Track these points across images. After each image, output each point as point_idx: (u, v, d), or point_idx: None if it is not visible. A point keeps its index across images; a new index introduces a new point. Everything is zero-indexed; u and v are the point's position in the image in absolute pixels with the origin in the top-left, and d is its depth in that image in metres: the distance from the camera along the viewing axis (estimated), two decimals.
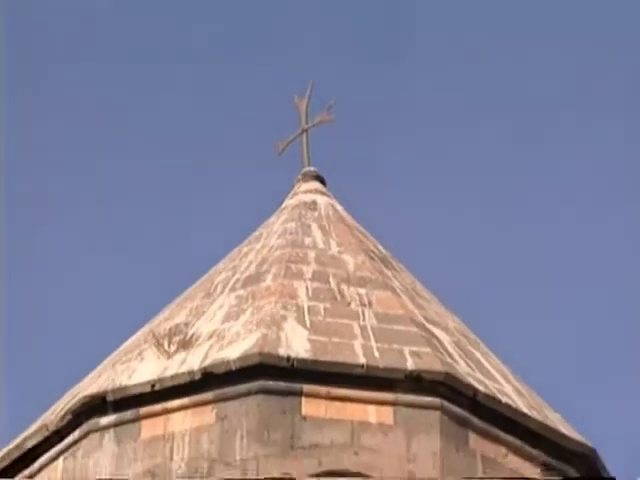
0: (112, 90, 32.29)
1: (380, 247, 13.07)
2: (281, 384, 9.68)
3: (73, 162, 31.33)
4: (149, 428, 9.86)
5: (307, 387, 9.76)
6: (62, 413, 10.35)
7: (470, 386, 10.06)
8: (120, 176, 30.88)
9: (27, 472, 10.32)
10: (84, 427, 10.03)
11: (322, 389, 9.77)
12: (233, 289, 11.64)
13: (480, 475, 9.81)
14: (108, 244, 29.91)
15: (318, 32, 32.71)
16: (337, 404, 9.83)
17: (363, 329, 10.82)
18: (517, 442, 10.11)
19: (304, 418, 9.63)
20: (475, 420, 9.91)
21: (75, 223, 30.83)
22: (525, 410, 10.46)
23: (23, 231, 29.06)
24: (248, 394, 9.66)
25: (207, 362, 9.99)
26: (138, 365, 10.58)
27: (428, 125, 31.86)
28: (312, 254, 12.18)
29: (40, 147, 31.43)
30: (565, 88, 33.14)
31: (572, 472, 10.47)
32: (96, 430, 9.97)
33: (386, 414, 9.81)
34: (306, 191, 13.77)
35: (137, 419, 9.89)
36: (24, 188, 29.09)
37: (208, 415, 9.77)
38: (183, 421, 9.82)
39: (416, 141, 31.17)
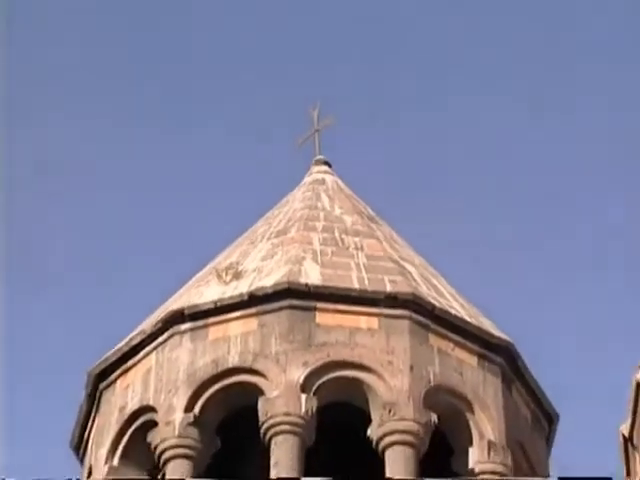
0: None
1: (368, 209, 15.10)
2: (302, 302, 11.71)
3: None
4: (213, 332, 11.85)
5: (319, 304, 11.85)
6: (155, 322, 12.32)
7: (429, 303, 12.10)
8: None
9: (131, 362, 12.22)
10: (169, 331, 11.98)
11: (329, 306, 11.82)
12: (269, 238, 13.64)
13: (436, 361, 11.83)
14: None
15: (325, 47, 35.63)
16: (339, 315, 11.85)
17: (357, 265, 12.86)
18: (461, 340, 12.02)
19: (317, 325, 11.64)
20: (432, 325, 11.90)
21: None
22: (467, 318, 12.44)
23: None
24: (280, 309, 11.66)
25: (252, 288, 12.03)
26: (205, 290, 12.61)
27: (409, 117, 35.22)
28: (322, 214, 14.25)
29: None
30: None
31: (499, 359, 12.38)
32: (178, 334, 11.93)
33: (372, 322, 11.81)
34: (318, 172, 15.83)
35: (206, 326, 11.87)
36: None
37: (253, 324, 11.75)
38: (236, 328, 11.83)
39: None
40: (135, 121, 36.23)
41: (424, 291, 12.86)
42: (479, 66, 36.22)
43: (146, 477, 12.30)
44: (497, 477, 11.52)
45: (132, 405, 12.30)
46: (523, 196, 35.64)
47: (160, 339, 12.51)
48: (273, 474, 11.12)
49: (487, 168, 36.07)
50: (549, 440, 13.56)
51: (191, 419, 11.50)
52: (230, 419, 12.19)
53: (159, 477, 11.95)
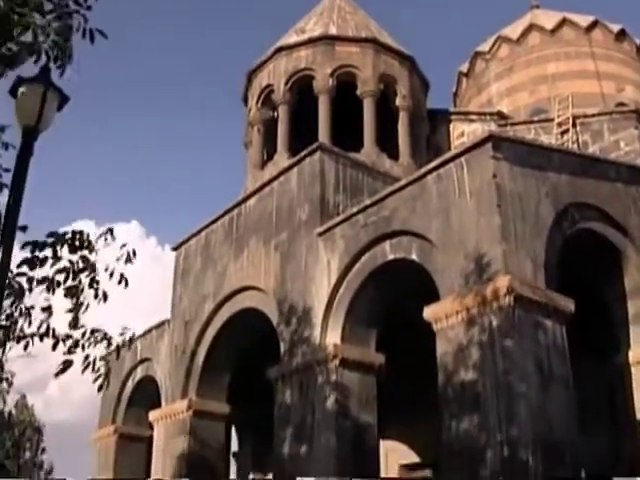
0: None
1: (356, 5, 19.93)
2: (329, 41, 17.48)
3: None
4: (295, 53, 17.76)
5: (337, 42, 17.34)
6: (272, 50, 18.25)
7: (377, 38, 17.99)
8: None
9: (262, 67, 18.47)
10: (278, 54, 17.97)
11: (341, 42, 17.41)
12: (315, 16, 19.01)
13: (383, 63, 17.26)
14: None
15: None
16: (345, 48, 17.43)
17: (351, 26, 18.28)
18: (397, 57, 17.93)
19: (336, 52, 17.38)
20: (383, 50, 17.67)
21: None
22: (396, 47, 18.35)
23: None
24: (321, 45, 17.44)
25: (310, 35, 17.71)
26: (290, 38, 18.42)
27: None
28: (337, 8, 19.04)
29: None
30: None
31: (407, 63, 17.80)
32: (281, 57, 17.93)
33: (356, 49, 17.53)
34: None
35: (291, 52, 17.73)
36: None
37: (310, 50, 17.67)
38: (304, 52, 17.59)
39: None
40: None
41: (378, 34, 18.47)
42: None
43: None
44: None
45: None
46: None
47: (273, 58, 18.15)
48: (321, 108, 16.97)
49: None
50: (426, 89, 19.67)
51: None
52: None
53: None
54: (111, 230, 7.17)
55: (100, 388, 7.46)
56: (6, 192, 6.60)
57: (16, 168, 6.53)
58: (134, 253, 7.13)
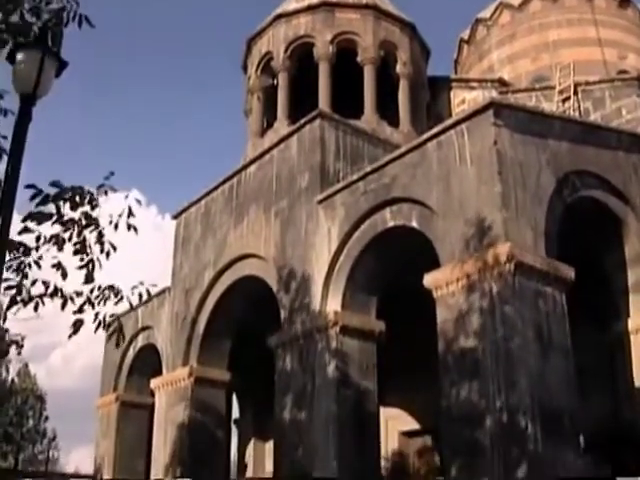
0: None
1: None
2: (328, 8, 17.13)
3: None
4: (294, 21, 17.56)
5: (337, 8, 17.01)
6: (271, 18, 18.11)
7: (377, 5, 17.74)
8: None
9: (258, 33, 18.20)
10: (276, 22, 17.81)
11: (339, 6, 17.37)
12: None
13: (381, 29, 16.87)
14: None
15: None
16: (344, 15, 17.10)
17: None
18: (396, 22, 17.71)
19: (336, 17, 17.14)
20: (383, 17, 17.54)
21: None
22: (394, 11, 18.23)
23: None
24: (320, 10, 17.13)
25: (310, 3, 17.46)
26: (290, 4, 18.07)
27: None
28: None
29: None
30: None
31: (408, 30, 17.54)
32: (280, 24, 17.64)
33: (357, 15, 17.21)
34: None
35: (290, 18, 17.63)
36: None
37: (310, 17, 17.33)
38: (303, 17, 17.37)
39: None
40: None
41: (378, 0, 18.08)
42: None
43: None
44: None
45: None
46: None
47: (272, 25, 18.01)
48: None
49: None
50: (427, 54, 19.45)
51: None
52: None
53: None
54: (112, 173, 7.10)
55: (117, 345, 7.57)
56: (5, 159, 6.54)
57: (14, 135, 6.49)
58: (138, 201, 7.11)
